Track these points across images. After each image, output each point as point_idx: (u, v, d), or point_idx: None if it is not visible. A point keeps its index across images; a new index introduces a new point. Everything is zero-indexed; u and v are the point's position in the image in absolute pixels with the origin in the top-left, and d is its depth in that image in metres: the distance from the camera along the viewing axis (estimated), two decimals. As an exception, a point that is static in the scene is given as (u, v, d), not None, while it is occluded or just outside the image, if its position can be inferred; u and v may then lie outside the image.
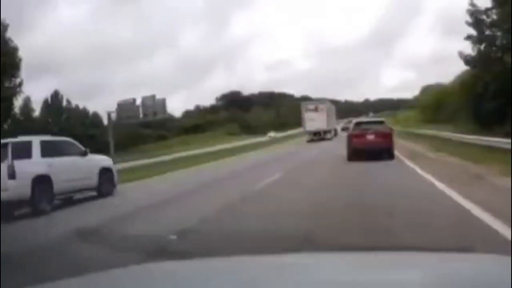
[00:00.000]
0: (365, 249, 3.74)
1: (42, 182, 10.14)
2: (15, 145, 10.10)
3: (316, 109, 39.98)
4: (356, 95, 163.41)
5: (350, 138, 16.48)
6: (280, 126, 79.58)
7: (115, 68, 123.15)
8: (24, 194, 9.77)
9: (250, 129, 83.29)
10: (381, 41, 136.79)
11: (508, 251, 3.56)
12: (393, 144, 16.10)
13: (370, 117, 18.97)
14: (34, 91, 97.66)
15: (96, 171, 12.13)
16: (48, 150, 10.73)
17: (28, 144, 10.45)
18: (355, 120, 19.83)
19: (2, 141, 10.11)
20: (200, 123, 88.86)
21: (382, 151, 15.48)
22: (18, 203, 9.82)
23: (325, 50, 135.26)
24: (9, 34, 34.19)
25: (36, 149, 10.44)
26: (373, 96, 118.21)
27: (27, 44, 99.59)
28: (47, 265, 5.17)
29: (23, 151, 10.16)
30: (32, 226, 8.86)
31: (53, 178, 10.42)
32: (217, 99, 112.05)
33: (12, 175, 9.62)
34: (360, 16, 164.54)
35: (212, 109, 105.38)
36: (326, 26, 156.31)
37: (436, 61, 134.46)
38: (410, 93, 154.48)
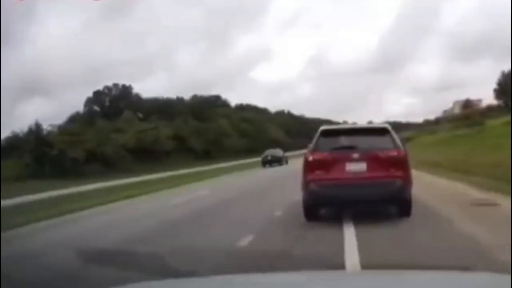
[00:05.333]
0: (364, 268, 3.76)
1: None
2: None
3: None
4: (357, 118, 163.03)
5: (307, 167, 7.61)
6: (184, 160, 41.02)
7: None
8: None
9: (65, 170, 34.64)
10: (384, 65, 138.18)
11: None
12: (411, 182, 7.53)
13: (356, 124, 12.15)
14: (23, 112, 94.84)
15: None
16: None
17: None
18: (322, 127, 8.19)
19: None
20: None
21: (383, 201, 7.57)
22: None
23: (326, 72, 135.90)
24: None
25: None
26: (377, 119, 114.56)
27: (13, 61, 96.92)
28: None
29: None
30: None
31: None
32: (86, 104, 59.71)
33: None
34: (363, 40, 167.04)
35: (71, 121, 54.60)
36: (328, 48, 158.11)
37: (443, 87, 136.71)
38: (416, 118, 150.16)
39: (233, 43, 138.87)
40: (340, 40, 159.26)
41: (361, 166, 7.26)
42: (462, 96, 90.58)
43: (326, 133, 7.88)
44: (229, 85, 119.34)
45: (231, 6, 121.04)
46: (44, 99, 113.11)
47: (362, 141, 7.68)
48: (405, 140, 8.97)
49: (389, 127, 7.96)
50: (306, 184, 7.48)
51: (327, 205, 7.89)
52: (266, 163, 34.30)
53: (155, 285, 2.31)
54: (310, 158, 7.54)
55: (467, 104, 73.52)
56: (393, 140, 7.55)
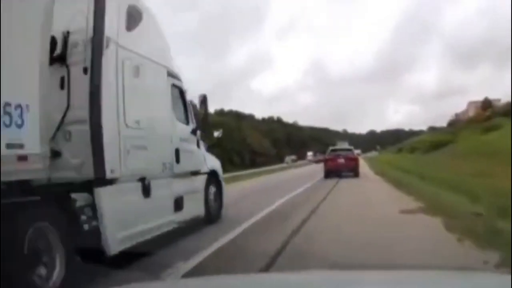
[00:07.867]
0: (364, 268, 3.77)
1: None
2: None
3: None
4: (356, 127, 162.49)
5: (326, 161, 22.27)
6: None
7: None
8: None
9: None
10: (384, 73, 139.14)
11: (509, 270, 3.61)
12: (359, 166, 21.59)
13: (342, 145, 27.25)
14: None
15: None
16: None
17: None
18: (331, 147, 23.87)
19: None
20: None
21: (350, 171, 20.77)
22: None
23: (325, 81, 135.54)
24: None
25: None
26: (378, 127, 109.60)
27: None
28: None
29: None
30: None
31: None
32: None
33: None
34: (362, 49, 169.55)
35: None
36: (326, 57, 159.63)
37: (443, 94, 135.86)
38: (419, 126, 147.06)
39: (230, 52, 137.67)
40: (338, 48, 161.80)
41: (342, 161, 21.03)
42: (463, 102, 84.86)
43: (332, 150, 22.66)
44: (226, 94, 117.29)
45: (228, 14, 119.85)
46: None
47: (343, 152, 21.89)
48: (360, 153, 26.70)
49: (352, 147, 24.20)
50: (325, 166, 21.62)
51: (332, 173, 20.46)
52: (313, 162, 46.20)
53: (155, 285, 2.30)
54: (327, 157, 22.17)
55: (486, 104, 66.50)
56: (353, 152, 22.66)
